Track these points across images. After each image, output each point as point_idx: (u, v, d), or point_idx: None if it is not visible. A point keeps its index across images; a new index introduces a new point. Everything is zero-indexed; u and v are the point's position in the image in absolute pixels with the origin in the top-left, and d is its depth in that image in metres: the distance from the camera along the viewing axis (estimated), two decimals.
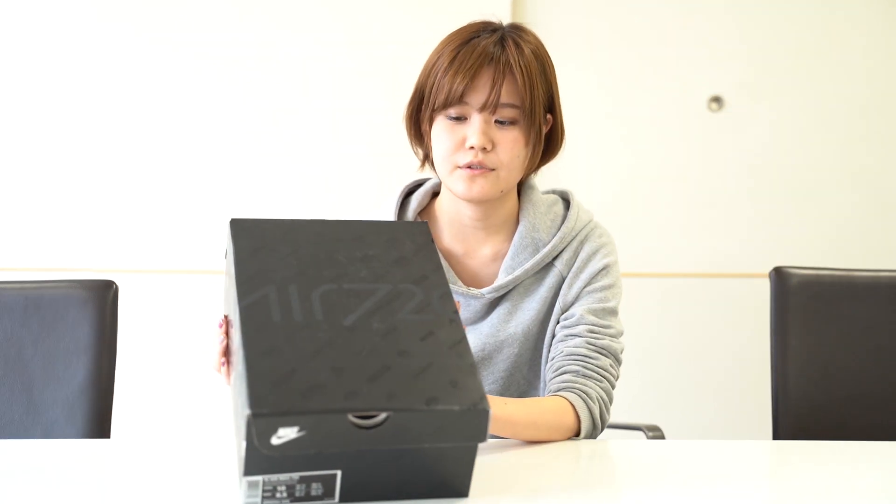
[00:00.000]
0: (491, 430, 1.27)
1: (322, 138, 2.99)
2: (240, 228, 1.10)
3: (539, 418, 1.33)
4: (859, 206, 3.08)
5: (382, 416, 0.94)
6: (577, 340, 1.45)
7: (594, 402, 1.39)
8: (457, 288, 1.48)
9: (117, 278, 1.70)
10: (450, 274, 1.49)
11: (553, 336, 1.49)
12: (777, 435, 1.69)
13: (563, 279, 1.49)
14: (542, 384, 1.51)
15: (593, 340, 1.44)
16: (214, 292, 2.98)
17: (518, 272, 1.48)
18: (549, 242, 1.49)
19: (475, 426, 0.97)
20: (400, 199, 1.54)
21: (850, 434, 1.63)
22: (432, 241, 1.14)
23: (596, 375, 1.42)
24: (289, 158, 2.99)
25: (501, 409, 1.29)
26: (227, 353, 1.16)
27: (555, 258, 1.50)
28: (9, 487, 1.10)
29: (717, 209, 3.08)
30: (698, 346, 3.08)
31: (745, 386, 3.03)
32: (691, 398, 3.08)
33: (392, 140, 2.96)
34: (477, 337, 1.49)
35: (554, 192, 1.59)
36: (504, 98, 1.38)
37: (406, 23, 2.97)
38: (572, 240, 1.50)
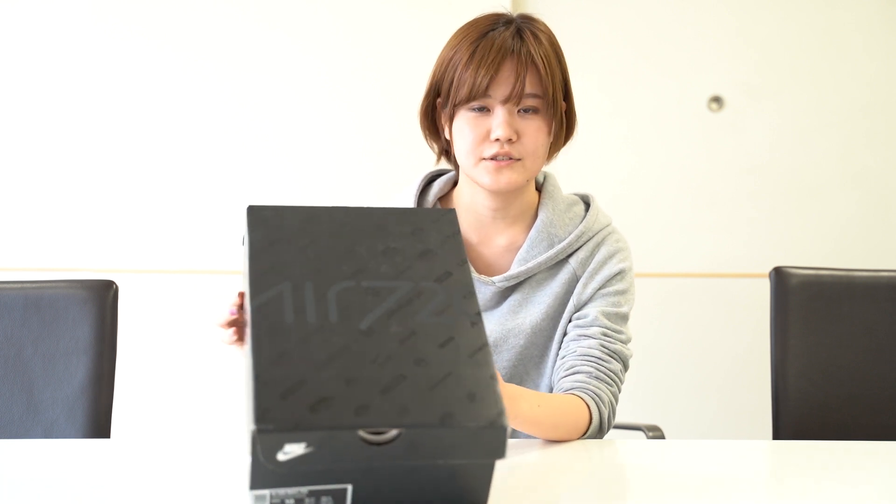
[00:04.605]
0: (517, 427, 1.29)
1: (321, 138, 2.98)
2: (257, 217, 1.05)
3: (562, 420, 1.34)
4: (860, 207, 3.08)
5: (394, 432, 0.90)
6: (591, 342, 1.46)
7: (605, 406, 1.41)
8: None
9: (117, 278, 1.69)
10: None
11: (563, 334, 1.50)
12: (777, 435, 1.69)
13: (577, 278, 1.50)
14: (545, 385, 1.51)
15: (607, 344, 1.46)
16: (214, 292, 2.98)
17: (531, 264, 1.49)
18: (566, 239, 1.50)
19: (493, 443, 0.92)
20: (421, 185, 1.55)
21: (850, 434, 1.63)
22: (459, 231, 1.08)
23: (607, 379, 1.44)
24: (288, 158, 2.98)
25: (534, 411, 1.30)
26: (237, 324, 1.16)
27: (570, 255, 1.51)
28: (9, 487, 1.10)
29: (717, 209, 3.08)
30: (698, 346, 3.08)
31: (745, 386, 3.03)
32: (691, 398, 3.08)
33: (392, 138, 2.96)
34: (485, 325, 1.49)
35: (576, 194, 1.60)
36: (528, 88, 1.40)
37: (406, 22, 2.97)
38: (589, 240, 1.51)
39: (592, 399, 1.40)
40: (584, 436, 1.38)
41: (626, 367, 1.48)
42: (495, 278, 1.49)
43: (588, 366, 1.43)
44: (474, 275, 1.49)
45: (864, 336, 1.70)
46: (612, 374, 1.44)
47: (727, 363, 3.07)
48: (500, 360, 1.50)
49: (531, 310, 1.49)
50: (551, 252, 1.49)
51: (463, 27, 1.44)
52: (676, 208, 3.08)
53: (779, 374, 1.69)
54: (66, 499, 1.06)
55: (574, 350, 1.46)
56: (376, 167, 2.97)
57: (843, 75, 3.06)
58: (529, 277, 1.50)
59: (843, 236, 3.07)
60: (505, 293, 1.51)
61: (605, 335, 1.46)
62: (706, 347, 3.08)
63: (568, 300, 1.50)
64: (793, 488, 1.15)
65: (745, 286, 3.06)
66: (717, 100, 3.06)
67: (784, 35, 3.06)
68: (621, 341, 1.48)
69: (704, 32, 3.06)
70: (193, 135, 2.97)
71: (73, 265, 2.94)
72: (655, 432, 1.77)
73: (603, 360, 1.44)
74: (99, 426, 1.55)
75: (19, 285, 1.60)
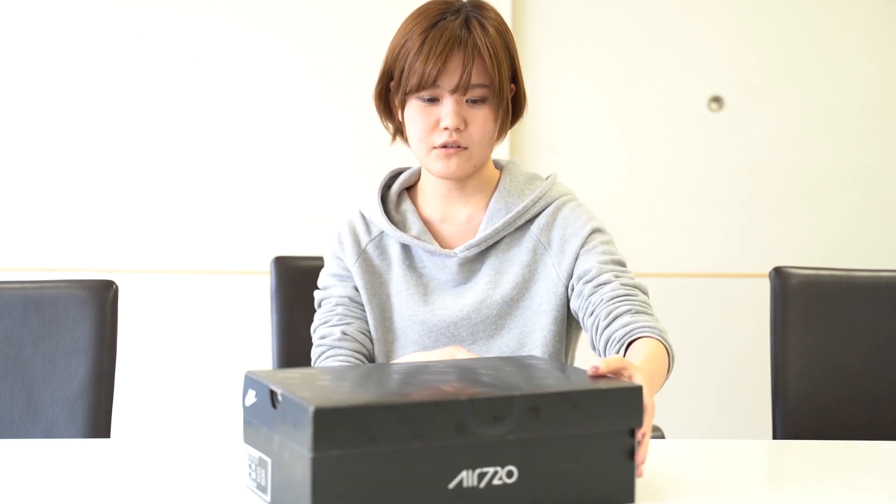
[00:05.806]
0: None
1: (321, 138, 2.98)
2: None
3: (659, 368, 1.31)
4: (859, 206, 3.08)
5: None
6: (612, 284, 1.43)
7: (664, 333, 1.39)
8: (433, 248, 1.51)
9: (117, 278, 1.69)
10: (427, 237, 1.53)
11: (569, 312, 1.50)
12: (777, 435, 1.69)
13: (543, 246, 1.51)
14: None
15: (625, 281, 1.44)
16: (214, 292, 2.98)
17: (489, 230, 1.50)
18: (522, 203, 1.51)
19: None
20: (385, 181, 1.60)
21: (850, 434, 1.63)
22: None
23: (646, 310, 1.42)
24: (288, 158, 2.98)
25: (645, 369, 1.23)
26: None
27: (530, 221, 1.52)
28: (9, 487, 1.10)
29: (717, 209, 3.08)
30: (698, 346, 3.07)
31: (745, 386, 3.03)
32: (691, 398, 3.08)
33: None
34: (456, 300, 1.51)
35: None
36: (474, 79, 1.42)
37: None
38: (548, 206, 1.53)
39: (654, 332, 1.37)
40: (669, 372, 1.36)
41: (648, 296, 1.46)
42: (456, 249, 1.51)
43: (623, 305, 1.41)
44: (437, 249, 1.51)
45: (864, 336, 1.70)
46: (646, 304, 1.43)
47: (727, 363, 3.07)
48: (477, 334, 1.50)
49: (500, 280, 1.50)
50: (509, 217, 1.50)
51: (414, 14, 1.47)
52: (676, 208, 3.08)
53: (779, 374, 1.70)
54: (66, 499, 1.06)
55: (601, 298, 1.43)
56: (376, 167, 2.97)
57: (843, 75, 3.06)
58: (493, 248, 1.52)
59: (843, 236, 3.07)
60: (473, 267, 1.52)
61: (617, 276, 1.45)
62: (706, 347, 3.07)
63: (537, 269, 1.50)
64: (793, 488, 1.15)
65: (745, 286, 3.05)
66: (717, 100, 3.06)
67: (784, 35, 3.06)
68: (632, 277, 1.47)
69: (704, 32, 3.06)
70: (193, 135, 2.97)
71: (73, 265, 2.94)
72: (655, 432, 1.77)
73: (631, 295, 1.42)
74: (99, 426, 1.55)
75: (19, 285, 1.60)
